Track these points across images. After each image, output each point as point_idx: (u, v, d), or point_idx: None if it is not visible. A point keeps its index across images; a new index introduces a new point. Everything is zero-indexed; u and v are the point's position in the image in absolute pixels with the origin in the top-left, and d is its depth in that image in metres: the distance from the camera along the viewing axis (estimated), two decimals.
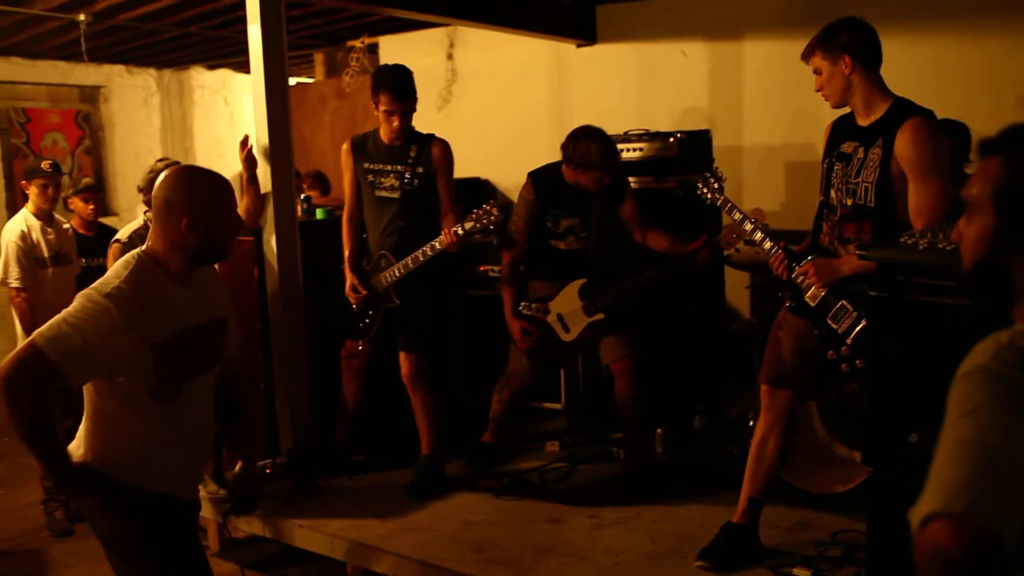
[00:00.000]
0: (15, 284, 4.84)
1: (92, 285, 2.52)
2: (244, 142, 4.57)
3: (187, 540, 2.76)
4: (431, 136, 4.40)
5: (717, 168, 3.88)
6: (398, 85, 4.26)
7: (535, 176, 4.53)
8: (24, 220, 4.97)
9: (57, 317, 2.43)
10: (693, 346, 5.14)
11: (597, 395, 5.21)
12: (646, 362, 4.44)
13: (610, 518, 4.06)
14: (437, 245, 4.17)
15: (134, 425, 2.58)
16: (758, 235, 3.47)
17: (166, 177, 2.61)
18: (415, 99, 4.32)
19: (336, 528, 4.05)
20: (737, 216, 3.58)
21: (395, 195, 4.35)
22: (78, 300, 2.47)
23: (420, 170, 4.30)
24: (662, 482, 4.42)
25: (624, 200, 4.48)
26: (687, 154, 5.05)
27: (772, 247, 3.40)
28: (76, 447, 2.61)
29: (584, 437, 5.10)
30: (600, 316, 4.37)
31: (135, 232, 4.41)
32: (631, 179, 4.75)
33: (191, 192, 2.58)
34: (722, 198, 3.75)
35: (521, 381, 4.68)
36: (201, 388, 2.70)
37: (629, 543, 3.81)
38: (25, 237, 4.89)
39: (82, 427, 2.62)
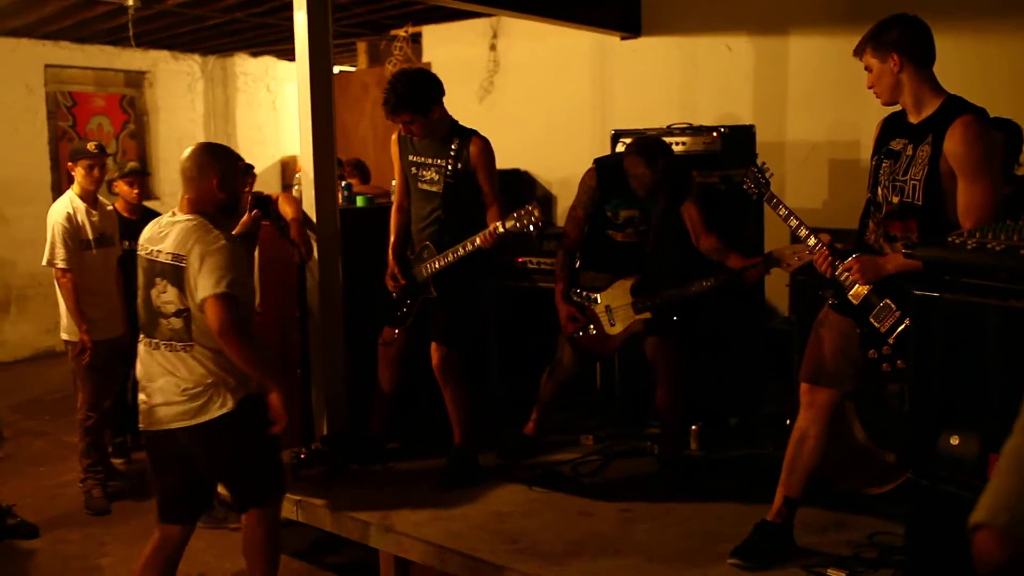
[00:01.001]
0: (61, 265, 4.90)
1: (199, 248, 3.20)
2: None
3: None
4: (472, 133, 4.36)
5: (764, 163, 3.84)
6: (388, 100, 4.21)
7: (600, 164, 4.50)
8: (70, 202, 5.02)
9: (211, 272, 3.16)
10: (731, 343, 5.10)
11: (633, 389, 5.19)
12: (688, 361, 4.42)
13: (643, 513, 4.05)
14: (477, 241, 4.17)
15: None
16: (803, 231, 3.44)
17: (197, 149, 3.43)
18: (416, 106, 4.20)
19: (369, 515, 4.06)
20: (783, 212, 3.54)
21: (436, 188, 4.35)
22: (210, 258, 3.18)
23: (459, 166, 4.29)
24: (696, 478, 4.40)
25: (687, 200, 4.41)
26: (730, 149, 5.01)
27: (816, 244, 3.37)
28: (226, 389, 3.30)
29: (619, 431, 5.08)
30: (647, 315, 4.35)
31: None
32: None
33: (219, 158, 3.42)
34: (768, 193, 3.71)
35: (566, 372, 4.67)
36: None
37: (662, 538, 3.79)
38: (71, 219, 4.95)
39: (216, 375, 3.30)
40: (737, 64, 6.31)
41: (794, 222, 3.48)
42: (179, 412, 3.27)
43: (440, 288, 4.37)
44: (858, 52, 3.20)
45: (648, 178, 4.21)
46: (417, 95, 4.22)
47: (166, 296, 3.26)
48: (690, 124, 5.21)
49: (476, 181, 4.33)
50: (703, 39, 6.46)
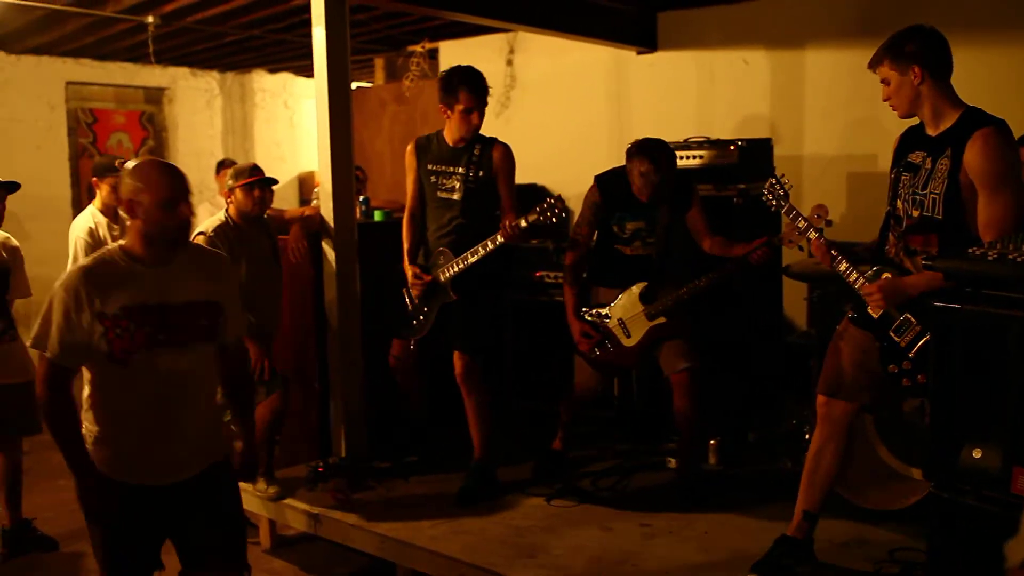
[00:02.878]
0: None
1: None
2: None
3: (146, 529, 2.99)
4: (493, 140, 4.42)
5: (783, 176, 3.82)
6: (476, 83, 4.32)
7: (600, 179, 4.52)
8: (92, 217, 5.04)
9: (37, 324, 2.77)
10: (749, 357, 5.09)
11: (651, 403, 5.18)
12: (704, 373, 4.40)
13: (662, 527, 4.03)
14: (499, 238, 4.17)
15: (109, 400, 2.84)
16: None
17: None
18: (488, 97, 4.38)
19: (387, 529, 4.07)
20: (802, 224, 3.53)
21: (456, 196, 4.38)
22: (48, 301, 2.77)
23: (481, 173, 4.33)
24: (715, 493, 4.38)
25: (691, 206, 4.44)
26: (748, 162, 5.01)
27: (837, 256, 3.34)
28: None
29: (637, 445, 5.07)
30: (662, 320, 4.35)
31: (218, 226, 4.43)
32: None
33: (126, 184, 2.79)
34: (787, 205, 3.69)
35: (585, 387, 4.66)
36: (173, 360, 2.80)
37: (681, 553, 3.77)
38: (93, 233, 4.96)
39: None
40: (754, 78, 6.31)
41: (813, 234, 3.48)
42: None
43: (460, 291, 4.37)
44: (873, 64, 3.19)
45: (652, 174, 4.22)
46: (487, 85, 4.40)
47: None
48: (707, 138, 5.21)
49: (495, 189, 4.36)
50: (720, 53, 6.46)
